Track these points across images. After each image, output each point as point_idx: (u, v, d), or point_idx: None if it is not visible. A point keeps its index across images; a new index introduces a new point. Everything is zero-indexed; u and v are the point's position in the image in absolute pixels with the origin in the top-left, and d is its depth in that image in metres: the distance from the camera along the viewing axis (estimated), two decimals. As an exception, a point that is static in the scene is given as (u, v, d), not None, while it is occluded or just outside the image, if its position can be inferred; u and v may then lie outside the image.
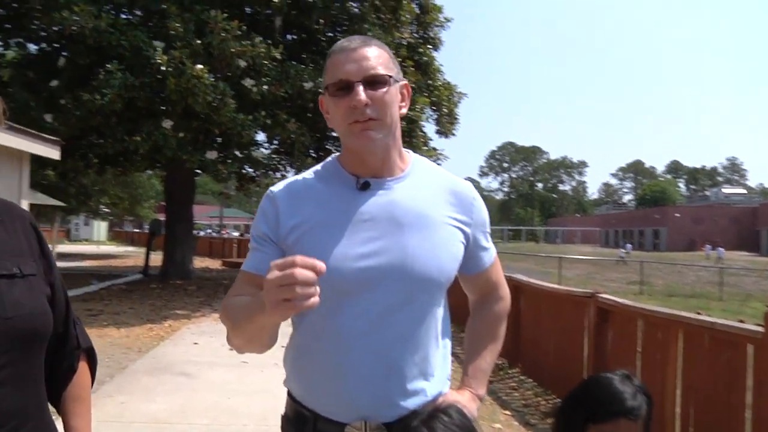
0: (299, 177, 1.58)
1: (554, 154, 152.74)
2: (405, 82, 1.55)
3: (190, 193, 16.58)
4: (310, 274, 1.10)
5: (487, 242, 1.65)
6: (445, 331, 1.58)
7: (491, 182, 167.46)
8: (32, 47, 12.92)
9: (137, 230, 50.99)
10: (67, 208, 29.52)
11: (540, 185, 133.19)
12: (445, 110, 17.03)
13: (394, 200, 1.47)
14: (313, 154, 14.82)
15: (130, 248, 38.70)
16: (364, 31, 12.69)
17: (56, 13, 9.66)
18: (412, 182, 1.52)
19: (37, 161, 12.76)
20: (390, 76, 1.43)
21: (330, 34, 14.25)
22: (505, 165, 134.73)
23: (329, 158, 1.60)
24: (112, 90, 9.68)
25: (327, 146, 15.34)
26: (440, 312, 1.55)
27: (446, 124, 17.33)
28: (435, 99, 16.45)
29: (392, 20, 14.00)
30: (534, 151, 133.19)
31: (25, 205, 4.69)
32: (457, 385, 1.60)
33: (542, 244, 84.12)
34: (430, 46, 16.59)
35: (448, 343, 1.61)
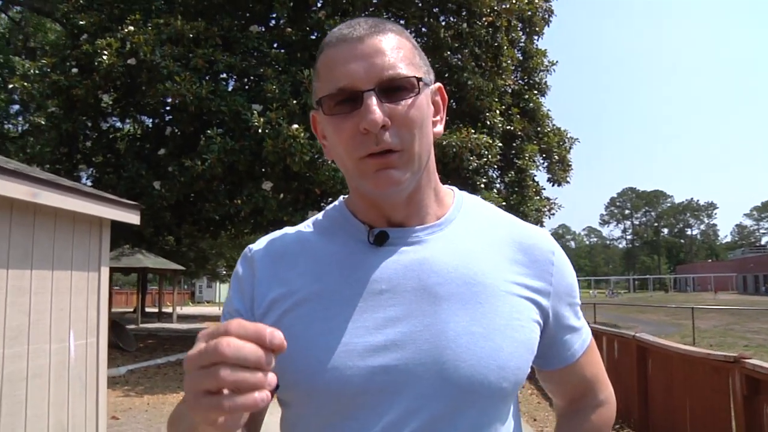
0: (291, 230, 1.06)
1: (679, 198, 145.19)
2: (439, 85, 1.00)
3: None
4: (248, 349, 0.62)
5: (578, 320, 1.06)
6: None
7: (613, 230, 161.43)
8: (148, 121, 13.62)
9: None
10: (188, 271, 30.74)
11: (665, 231, 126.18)
12: (556, 157, 16.25)
13: (425, 260, 0.94)
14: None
15: (250, 309, 39.65)
16: (464, 81, 12.36)
17: (160, 85, 10.00)
18: (456, 232, 0.98)
19: (156, 228, 13.31)
20: (418, 79, 0.90)
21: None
22: (627, 212, 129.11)
23: (335, 202, 1.07)
24: (212, 155, 9.81)
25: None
26: (505, 427, 0.95)
27: (559, 172, 16.51)
28: (545, 146, 15.76)
29: (494, 67, 13.56)
30: (657, 196, 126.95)
31: (105, 272, 4.53)
32: None
33: (672, 293, 78.97)
34: (536, 92, 15.98)
35: None
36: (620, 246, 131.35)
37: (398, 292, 0.92)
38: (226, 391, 0.62)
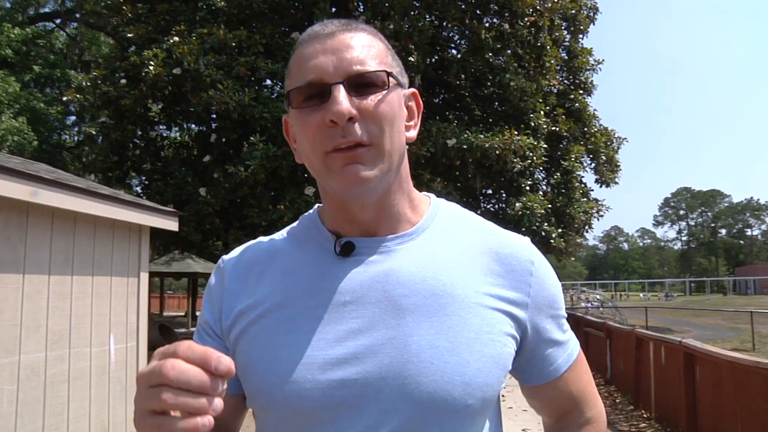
0: (265, 239, 1.05)
1: (737, 197, 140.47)
2: (413, 90, 0.99)
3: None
4: (192, 373, 0.62)
5: (561, 332, 1.01)
6: None
7: (667, 232, 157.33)
8: (194, 128, 13.91)
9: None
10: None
11: (723, 232, 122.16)
12: (604, 157, 15.96)
13: (392, 271, 0.91)
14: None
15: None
16: (506, 82, 12.22)
17: (204, 93, 10.20)
18: (428, 241, 0.95)
19: (204, 234, 13.58)
20: (388, 74, 0.89)
21: (476, 91, 13.89)
22: (682, 212, 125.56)
23: (312, 209, 1.07)
24: (254, 161, 9.96)
25: (483, 205, 14.66)
26: None
27: (606, 173, 16.21)
28: (591, 146, 15.50)
29: (537, 68, 13.38)
30: (713, 195, 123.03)
31: (144, 277, 4.64)
32: None
33: (731, 296, 76.35)
34: (582, 91, 15.71)
35: None
36: (675, 248, 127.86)
37: (362, 304, 0.90)
38: (173, 413, 0.63)
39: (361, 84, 0.88)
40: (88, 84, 12.42)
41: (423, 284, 0.91)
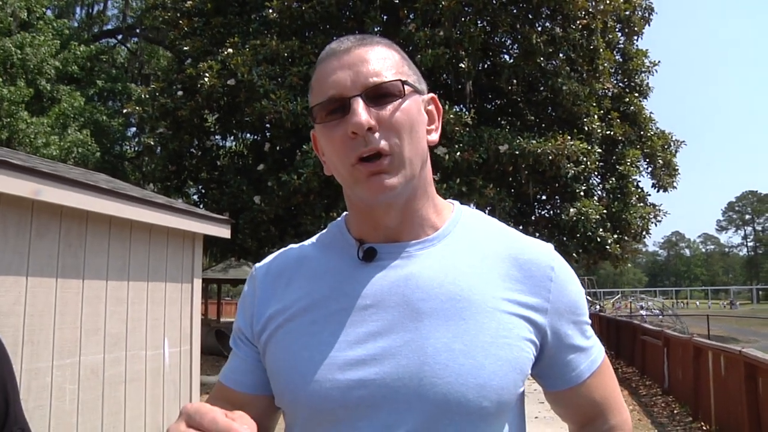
0: (295, 246, 1.10)
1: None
2: (432, 95, 1.02)
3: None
4: None
5: (584, 338, 1.01)
6: None
7: (732, 237, 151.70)
8: (248, 137, 14.22)
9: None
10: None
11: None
12: (661, 161, 15.54)
13: (411, 275, 0.94)
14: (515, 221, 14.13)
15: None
16: (558, 87, 12.07)
17: (257, 103, 10.43)
18: (449, 247, 0.98)
19: (259, 241, 13.86)
20: (403, 82, 0.92)
21: (529, 96, 13.74)
22: (747, 217, 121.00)
23: (339, 217, 1.11)
24: (307, 169, 10.11)
25: (537, 211, 14.44)
26: None
27: (664, 177, 15.77)
28: (648, 150, 15.13)
29: (590, 71, 13.17)
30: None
31: (197, 284, 4.78)
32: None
33: (802, 305, 73.01)
34: (637, 94, 15.36)
35: None
36: (741, 254, 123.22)
37: (382, 307, 0.93)
38: None
39: (378, 95, 0.91)
40: (147, 96, 12.87)
41: (441, 289, 0.93)
